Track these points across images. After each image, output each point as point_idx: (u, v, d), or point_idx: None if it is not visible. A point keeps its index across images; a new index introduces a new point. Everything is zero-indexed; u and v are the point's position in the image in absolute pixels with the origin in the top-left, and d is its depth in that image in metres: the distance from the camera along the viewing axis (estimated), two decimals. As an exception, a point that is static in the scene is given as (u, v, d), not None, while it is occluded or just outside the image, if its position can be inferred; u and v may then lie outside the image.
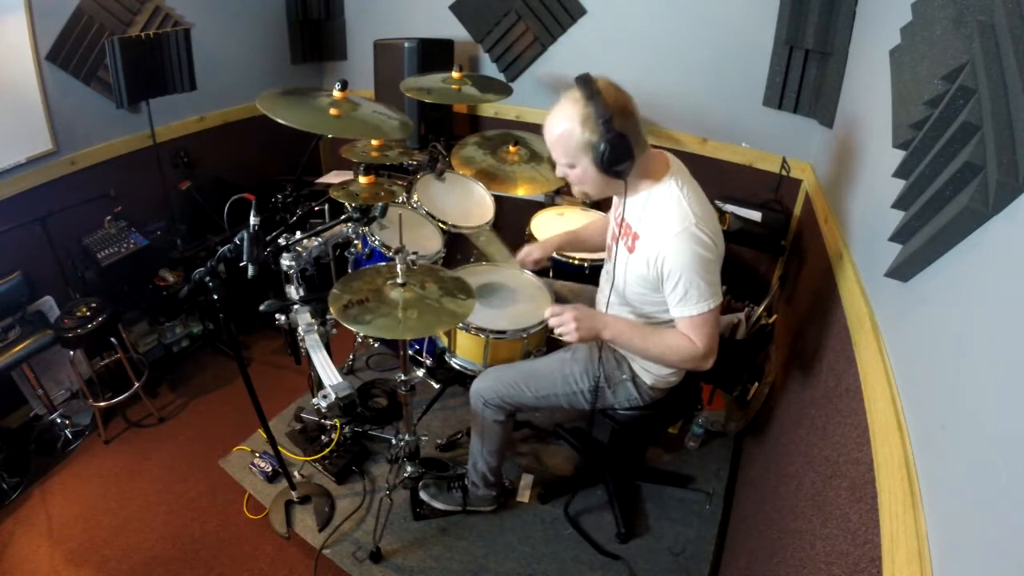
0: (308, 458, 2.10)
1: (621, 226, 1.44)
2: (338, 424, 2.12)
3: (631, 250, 1.40)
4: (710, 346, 1.32)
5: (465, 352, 1.81)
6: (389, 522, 1.89)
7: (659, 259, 1.29)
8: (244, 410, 1.98)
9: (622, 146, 1.21)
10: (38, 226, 2.10)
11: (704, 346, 1.31)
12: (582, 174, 1.31)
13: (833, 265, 1.56)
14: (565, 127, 1.25)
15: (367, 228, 1.87)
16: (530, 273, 1.95)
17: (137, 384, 2.27)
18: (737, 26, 2.25)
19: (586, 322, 1.40)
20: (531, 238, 2.15)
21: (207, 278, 1.39)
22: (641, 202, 1.36)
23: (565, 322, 1.40)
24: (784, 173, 2.36)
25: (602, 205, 2.41)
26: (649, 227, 1.33)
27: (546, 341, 1.86)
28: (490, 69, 2.89)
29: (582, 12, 2.55)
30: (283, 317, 1.63)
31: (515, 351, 1.78)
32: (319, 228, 1.73)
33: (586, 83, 1.22)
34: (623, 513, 1.93)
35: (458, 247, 2.28)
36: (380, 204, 1.71)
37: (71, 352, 2.10)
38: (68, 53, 2.19)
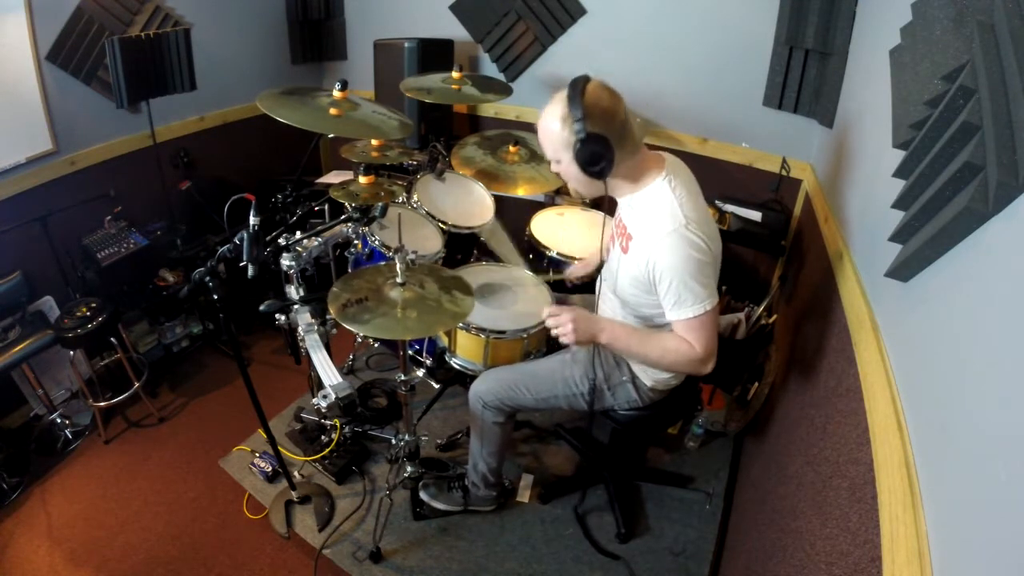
0: (308, 458, 2.10)
1: (618, 227, 1.44)
2: (338, 424, 2.12)
3: (625, 251, 1.39)
4: (709, 349, 1.31)
5: (465, 352, 1.80)
6: (389, 522, 1.90)
7: (650, 261, 1.29)
8: (244, 410, 1.97)
9: (597, 146, 1.20)
10: (38, 226, 2.10)
11: (702, 349, 1.30)
12: (566, 170, 1.32)
13: (833, 265, 1.56)
14: (547, 124, 1.27)
15: (367, 228, 1.87)
16: (530, 273, 1.95)
17: (137, 384, 2.27)
18: (737, 26, 2.25)
19: (583, 324, 1.39)
20: (531, 238, 2.15)
21: (207, 278, 1.39)
22: (635, 203, 1.36)
23: (562, 324, 1.39)
24: (784, 173, 2.36)
25: (601, 204, 2.41)
26: (641, 228, 1.33)
27: (546, 341, 1.85)
28: (490, 69, 2.89)
29: (582, 12, 2.55)
30: (283, 317, 1.63)
31: (515, 351, 1.78)
32: (319, 228, 1.73)
33: (574, 84, 1.22)
34: (623, 513, 1.93)
35: (458, 247, 2.28)
36: (380, 204, 1.71)
37: (71, 352, 2.10)
38: (68, 53, 2.19)
